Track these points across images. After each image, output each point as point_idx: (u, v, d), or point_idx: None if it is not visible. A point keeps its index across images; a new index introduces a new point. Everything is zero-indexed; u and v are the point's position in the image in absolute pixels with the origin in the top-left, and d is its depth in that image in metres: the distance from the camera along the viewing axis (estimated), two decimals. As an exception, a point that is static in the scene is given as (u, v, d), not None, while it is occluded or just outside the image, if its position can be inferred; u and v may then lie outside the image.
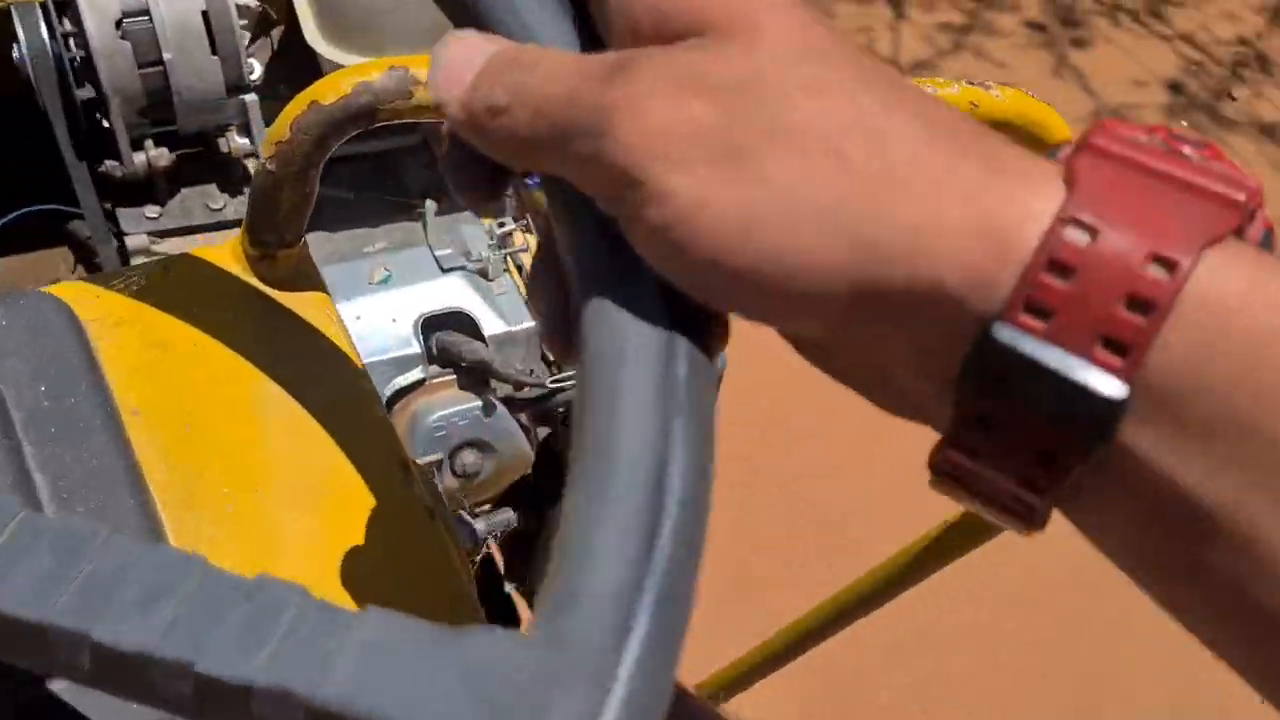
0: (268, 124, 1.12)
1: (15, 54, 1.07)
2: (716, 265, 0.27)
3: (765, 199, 0.26)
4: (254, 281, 0.61)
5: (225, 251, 0.61)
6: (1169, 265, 0.24)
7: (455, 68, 0.30)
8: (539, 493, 1.25)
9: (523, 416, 1.10)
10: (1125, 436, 0.25)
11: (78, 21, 1.04)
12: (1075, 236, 0.25)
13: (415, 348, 1.05)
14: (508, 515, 1.20)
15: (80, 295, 0.59)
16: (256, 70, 1.15)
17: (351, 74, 0.53)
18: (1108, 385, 0.24)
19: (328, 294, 0.63)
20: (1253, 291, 0.24)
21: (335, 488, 0.56)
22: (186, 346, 0.58)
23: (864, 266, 0.26)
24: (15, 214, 1.15)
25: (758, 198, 0.26)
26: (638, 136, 0.27)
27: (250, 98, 1.11)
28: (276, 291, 0.61)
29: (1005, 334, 0.25)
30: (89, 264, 1.21)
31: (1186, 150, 0.26)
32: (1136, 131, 0.27)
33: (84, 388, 0.54)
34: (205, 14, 1.06)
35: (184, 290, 0.60)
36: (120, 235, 1.13)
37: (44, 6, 1.07)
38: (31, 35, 1.06)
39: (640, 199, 0.27)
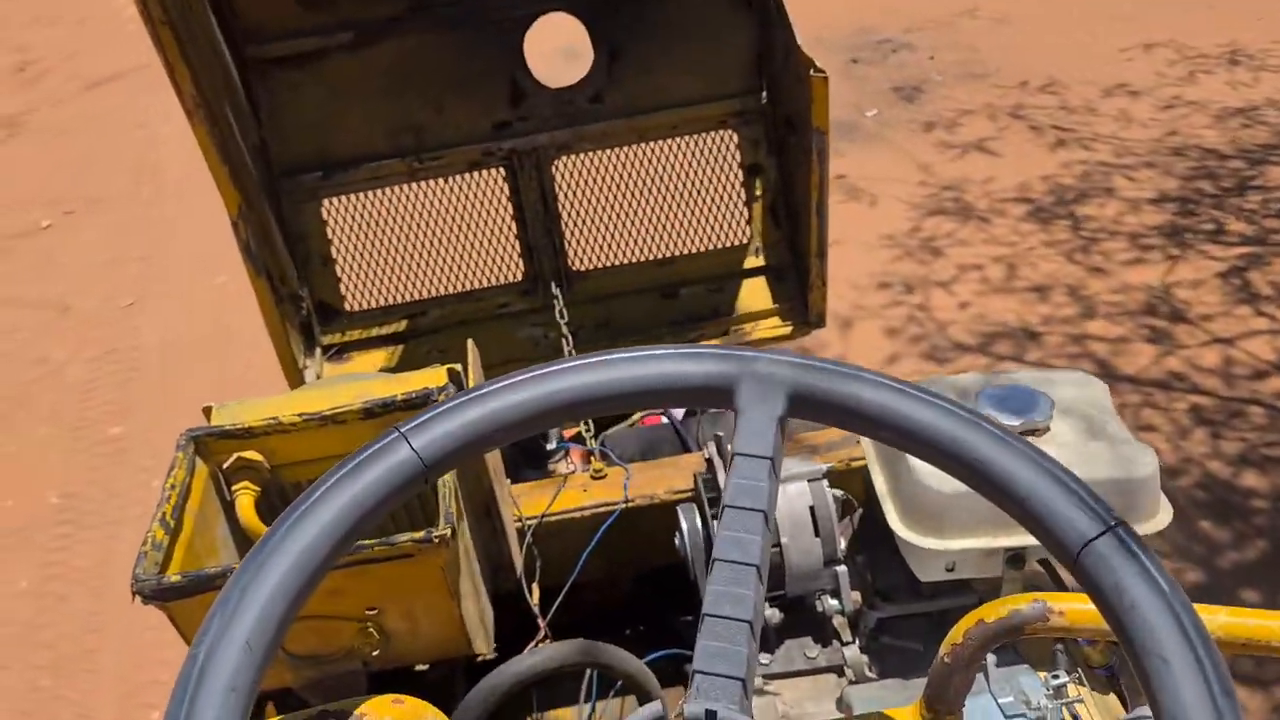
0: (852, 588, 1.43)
1: (676, 540, 1.49)
2: None
3: None
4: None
5: (907, 714, 0.87)
6: None
7: None
8: None
9: None
10: None
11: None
12: None
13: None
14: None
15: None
16: (841, 545, 1.48)
17: (1008, 602, 0.80)
18: None
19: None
20: None
21: None
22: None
23: None
24: (663, 653, 1.52)
25: None
26: None
27: (840, 569, 1.43)
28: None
29: None
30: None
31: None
32: None
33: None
34: (812, 508, 1.42)
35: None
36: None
37: (699, 504, 1.49)
38: (691, 526, 1.47)
39: None
